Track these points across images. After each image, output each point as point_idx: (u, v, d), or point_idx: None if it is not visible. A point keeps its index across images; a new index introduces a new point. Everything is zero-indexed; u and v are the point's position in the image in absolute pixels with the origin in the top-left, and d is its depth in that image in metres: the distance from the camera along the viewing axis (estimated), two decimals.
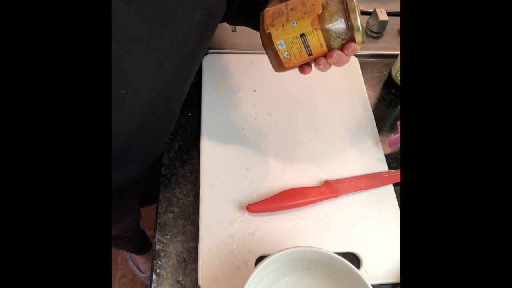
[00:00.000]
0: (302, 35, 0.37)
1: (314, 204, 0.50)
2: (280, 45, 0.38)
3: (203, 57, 0.59)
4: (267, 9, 0.41)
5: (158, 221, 0.48)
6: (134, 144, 0.46)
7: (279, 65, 0.41)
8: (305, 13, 0.37)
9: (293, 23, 0.37)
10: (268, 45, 0.39)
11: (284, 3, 0.40)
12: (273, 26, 0.38)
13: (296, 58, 0.39)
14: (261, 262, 0.38)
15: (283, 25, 0.37)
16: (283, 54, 0.39)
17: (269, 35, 0.38)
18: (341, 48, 0.38)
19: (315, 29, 0.37)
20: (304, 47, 0.38)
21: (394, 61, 0.63)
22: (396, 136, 0.55)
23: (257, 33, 0.68)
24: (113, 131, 0.39)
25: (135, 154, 0.49)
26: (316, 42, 0.37)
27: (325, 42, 0.37)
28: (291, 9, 0.38)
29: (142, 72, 0.37)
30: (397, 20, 0.70)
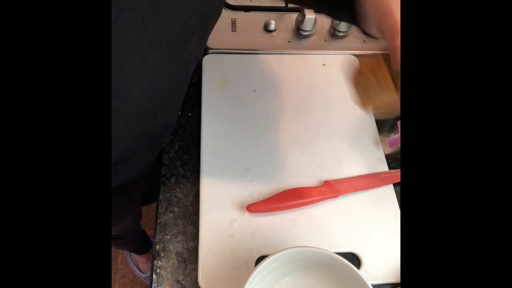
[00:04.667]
0: None
1: (314, 204, 0.50)
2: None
3: (200, 58, 0.59)
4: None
5: (158, 221, 0.48)
6: (136, 149, 0.46)
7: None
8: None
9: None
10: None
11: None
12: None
13: None
14: (261, 262, 0.38)
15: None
16: None
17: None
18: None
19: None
20: None
21: None
22: (396, 136, 0.55)
23: (257, 33, 0.68)
24: (113, 140, 0.38)
25: (137, 157, 0.49)
26: None
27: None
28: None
29: (137, 83, 0.36)
30: None
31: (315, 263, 0.41)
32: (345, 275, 0.40)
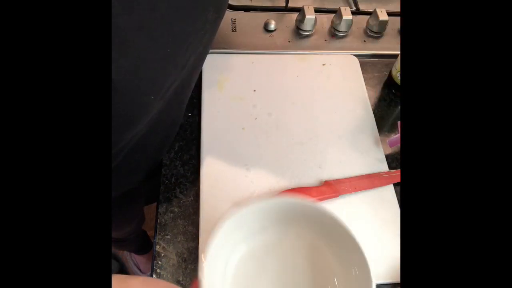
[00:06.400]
0: None
1: None
2: None
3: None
4: None
5: (159, 221, 0.48)
6: (144, 147, 0.46)
7: None
8: None
9: None
10: None
11: None
12: None
13: None
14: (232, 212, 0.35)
15: None
16: None
17: None
18: None
19: None
20: None
21: (394, 61, 0.63)
22: (397, 136, 0.55)
23: (257, 33, 0.68)
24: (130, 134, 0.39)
25: (144, 158, 0.49)
26: None
27: None
28: None
29: (169, 76, 0.37)
30: (397, 20, 0.70)
31: (300, 216, 0.37)
32: (334, 232, 0.36)
